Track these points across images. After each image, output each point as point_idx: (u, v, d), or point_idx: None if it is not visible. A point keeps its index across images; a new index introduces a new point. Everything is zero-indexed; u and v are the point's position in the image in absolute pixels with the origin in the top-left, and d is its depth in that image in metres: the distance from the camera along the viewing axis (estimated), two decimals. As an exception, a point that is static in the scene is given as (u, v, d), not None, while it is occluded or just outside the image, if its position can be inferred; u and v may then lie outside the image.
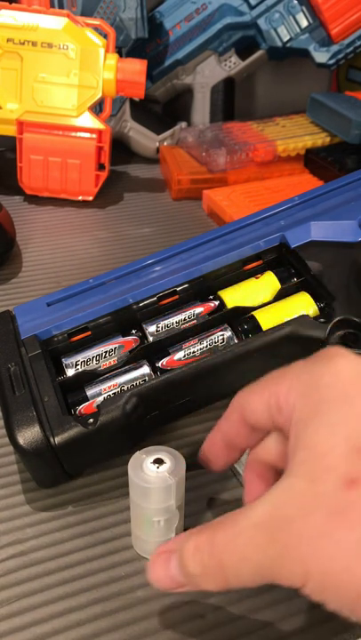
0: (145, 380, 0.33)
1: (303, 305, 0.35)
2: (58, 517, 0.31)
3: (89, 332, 0.36)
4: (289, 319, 0.33)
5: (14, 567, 0.29)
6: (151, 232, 0.59)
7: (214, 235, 0.40)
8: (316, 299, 0.35)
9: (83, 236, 0.58)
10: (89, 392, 0.34)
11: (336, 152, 0.64)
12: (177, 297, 0.37)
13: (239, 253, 0.38)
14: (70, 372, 0.35)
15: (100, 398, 0.33)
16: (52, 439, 0.30)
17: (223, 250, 0.38)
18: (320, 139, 0.67)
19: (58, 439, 0.30)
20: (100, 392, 0.34)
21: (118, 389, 0.33)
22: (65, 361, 0.35)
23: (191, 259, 0.38)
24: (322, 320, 0.33)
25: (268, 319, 0.35)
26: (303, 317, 0.33)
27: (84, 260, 0.54)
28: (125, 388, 0.33)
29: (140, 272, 0.38)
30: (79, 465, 0.33)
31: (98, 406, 0.31)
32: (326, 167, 0.63)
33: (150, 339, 0.36)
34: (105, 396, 0.33)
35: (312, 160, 0.65)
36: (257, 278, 0.38)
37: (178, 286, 0.37)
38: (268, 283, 0.37)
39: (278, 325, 0.33)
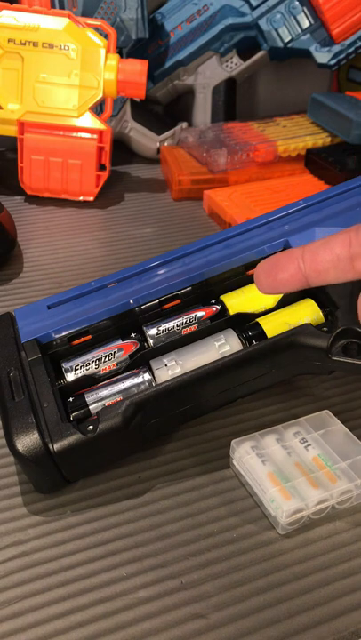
0: (146, 387, 0.33)
1: (309, 312, 0.35)
2: (59, 518, 0.31)
3: (89, 337, 0.36)
4: (292, 328, 0.33)
5: (16, 568, 0.29)
6: (152, 232, 0.59)
7: (217, 238, 0.39)
8: (320, 306, 0.35)
9: (84, 236, 0.58)
10: (88, 399, 0.33)
11: (337, 152, 0.64)
12: (179, 301, 0.37)
13: (242, 258, 0.37)
14: (70, 377, 0.35)
15: (100, 404, 0.33)
16: (50, 446, 0.30)
17: (226, 254, 0.38)
18: (321, 139, 0.67)
19: (57, 446, 0.30)
20: (100, 398, 0.33)
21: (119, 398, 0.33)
22: (64, 365, 0.35)
23: (194, 263, 0.38)
24: (325, 329, 0.33)
25: (273, 326, 0.35)
26: (306, 326, 0.33)
27: (85, 261, 0.54)
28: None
29: (143, 275, 0.38)
30: (78, 472, 0.33)
31: (97, 413, 0.31)
32: (327, 167, 0.63)
33: (150, 342, 0.36)
34: (105, 402, 0.33)
35: (313, 160, 0.65)
36: None
37: (180, 290, 0.37)
38: None
39: (281, 334, 0.33)
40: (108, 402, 0.33)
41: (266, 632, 0.27)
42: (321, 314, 0.35)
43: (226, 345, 0.34)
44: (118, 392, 0.33)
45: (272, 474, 0.32)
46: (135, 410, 0.31)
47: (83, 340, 0.36)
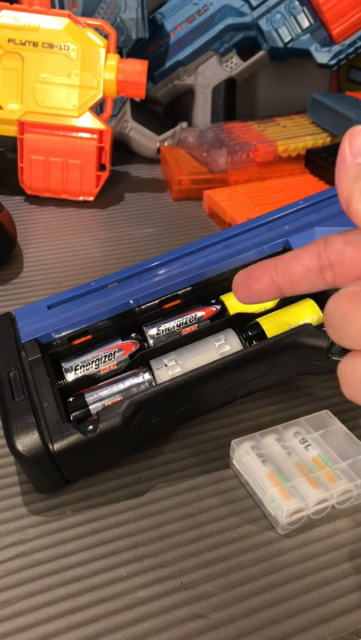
0: (146, 387, 0.33)
1: (308, 312, 0.35)
2: (59, 518, 0.31)
3: (89, 337, 0.36)
4: (292, 328, 0.33)
5: (16, 568, 0.29)
6: (152, 232, 0.59)
7: (218, 238, 0.39)
8: (320, 306, 0.35)
9: (84, 236, 0.58)
10: (88, 399, 0.33)
11: (337, 152, 0.64)
12: (179, 301, 0.37)
13: (243, 258, 0.37)
14: (70, 377, 0.35)
15: (100, 404, 0.33)
16: (50, 446, 0.30)
17: (226, 254, 0.38)
18: (321, 139, 0.67)
19: (57, 446, 0.30)
20: (100, 398, 0.33)
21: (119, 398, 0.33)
22: (64, 365, 0.35)
23: (194, 263, 0.38)
24: (325, 329, 0.33)
25: (272, 326, 0.35)
26: (306, 326, 0.33)
27: (86, 261, 0.54)
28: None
29: (143, 275, 0.38)
30: (78, 472, 0.33)
31: (97, 413, 0.31)
32: (327, 167, 0.63)
33: (150, 342, 0.36)
34: (105, 402, 0.33)
35: (313, 160, 0.65)
36: None
37: (180, 290, 0.37)
38: None
39: (281, 334, 0.33)
40: (108, 402, 0.33)
41: (266, 632, 0.27)
42: (321, 314, 0.35)
43: (226, 345, 0.34)
44: (118, 392, 0.33)
45: (272, 474, 0.32)
46: (135, 410, 0.31)
47: (83, 340, 0.36)
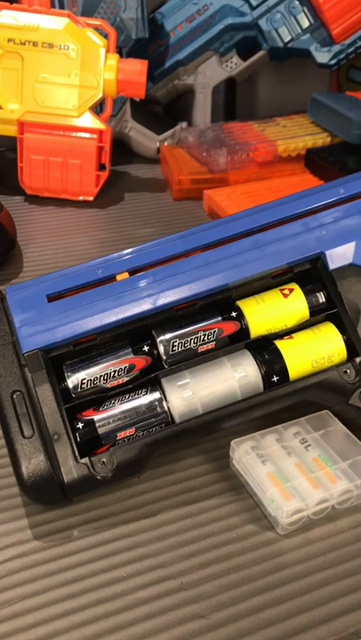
0: (156, 404, 0.33)
1: (330, 343, 0.34)
2: (59, 519, 0.31)
3: (95, 336, 0.34)
4: (317, 373, 0.33)
5: (16, 568, 0.29)
6: (152, 232, 0.59)
7: (242, 228, 0.37)
8: (340, 329, 0.35)
9: (83, 236, 0.58)
10: (98, 423, 0.33)
11: (337, 152, 0.64)
12: (195, 302, 0.35)
13: (274, 266, 0.35)
14: (73, 386, 0.34)
15: (108, 428, 0.33)
16: (62, 483, 0.30)
17: (258, 266, 0.35)
18: (321, 139, 0.67)
19: (68, 483, 0.30)
20: (109, 421, 0.33)
21: (133, 435, 0.33)
22: (70, 375, 0.34)
23: (219, 265, 0.35)
24: (346, 371, 0.33)
25: (292, 353, 0.34)
26: (332, 371, 0.33)
27: (85, 261, 0.54)
28: (139, 424, 0.33)
29: (157, 272, 0.35)
30: (81, 494, 0.32)
31: (111, 452, 0.31)
32: (327, 167, 0.63)
33: (161, 348, 0.34)
34: (114, 425, 0.33)
35: (313, 160, 0.65)
36: (285, 296, 0.35)
37: (200, 294, 0.35)
38: (296, 305, 0.35)
39: (305, 378, 0.33)
40: (119, 433, 0.32)
41: (266, 632, 0.27)
42: (342, 345, 0.34)
43: (242, 371, 0.34)
44: (128, 411, 0.33)
45: (272, 474, 0.32)
46: (149, 452, 0.31)
47: (87, 339, 0.34)
